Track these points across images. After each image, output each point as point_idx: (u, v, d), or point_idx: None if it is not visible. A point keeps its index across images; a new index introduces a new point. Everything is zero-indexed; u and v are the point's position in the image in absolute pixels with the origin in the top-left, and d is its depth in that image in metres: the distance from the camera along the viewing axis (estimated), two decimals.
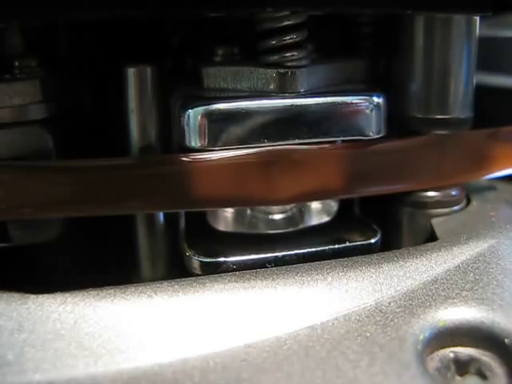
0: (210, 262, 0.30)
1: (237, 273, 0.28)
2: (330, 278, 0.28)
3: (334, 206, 0.34)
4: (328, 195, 0.32)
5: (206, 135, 0.28)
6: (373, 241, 0.32)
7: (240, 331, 0.26)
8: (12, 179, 0.29)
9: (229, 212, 0.33)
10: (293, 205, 0.33)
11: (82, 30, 0.38)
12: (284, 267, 0.29)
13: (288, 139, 0.29)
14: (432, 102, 0.33)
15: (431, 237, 0.33)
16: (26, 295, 0.27)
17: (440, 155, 0.33)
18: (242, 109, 0.28)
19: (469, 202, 0.36)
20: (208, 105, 0.28)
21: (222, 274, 0.28)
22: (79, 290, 0.28)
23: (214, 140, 0.29)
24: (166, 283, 0.28)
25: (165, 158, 0.31)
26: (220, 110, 0.28)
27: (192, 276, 0.30)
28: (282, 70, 0.29)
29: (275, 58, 0.29)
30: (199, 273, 0.30)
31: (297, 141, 0.29)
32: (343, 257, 0.30)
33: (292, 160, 0.30)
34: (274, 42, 0.29)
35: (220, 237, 0.33)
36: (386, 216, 0.36)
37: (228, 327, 0.26)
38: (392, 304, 0.28)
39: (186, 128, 0.29)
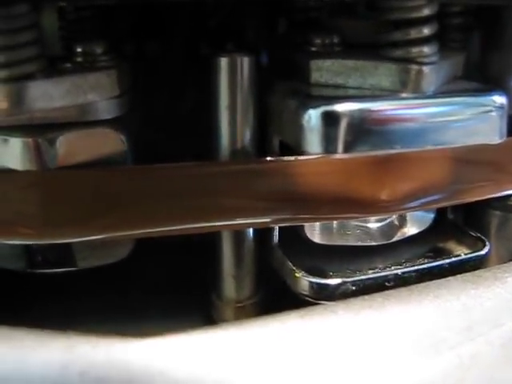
0: (326, 284, 0.26)
1: (366, 297, 0.25)
2: (463, 298, 0.26)
3: (431, 213, 0.31)
4: (436, 202, 0.29)
5: (331, 138, 0.25)
6: (484, 252, 0.29)
7: (387, 361, 0.23)
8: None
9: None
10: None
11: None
12: (412, 288, 0.26)
13: (417, 144, 0.26)
14: None
15: None
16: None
17: None
18: (374, 110, 0.25)
19: None
20: (332, 104, 0.25)
21: (352, 300, 0.25)
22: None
23: (338, 144, 0.25)
24: (294, 314, 0.24)
25: (267, 161, 0.26)
26: (349, 110, 0.24)
27: (296, 298, 0.27)
28: (415, 67, 0.25)
29: (402, 52, 0.26)
30: (309, 295, 0.27)
31: (427, 147, 0.26)
32: (457, 270, 0.28)
33: (402, 164, 0.27)
34: (405, 35, 0.25)
35: (318, 251, 0.29)
36: (469, 220, 0.33)
37: (374, 358, 0.23)
38: None
39: (305, 130, 0.25)
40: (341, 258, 0.29)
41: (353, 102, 0.25)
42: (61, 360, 0.22)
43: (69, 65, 0.26)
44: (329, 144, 0.25)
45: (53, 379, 0.21)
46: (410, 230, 0.30)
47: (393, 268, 0.28)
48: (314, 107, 0.25)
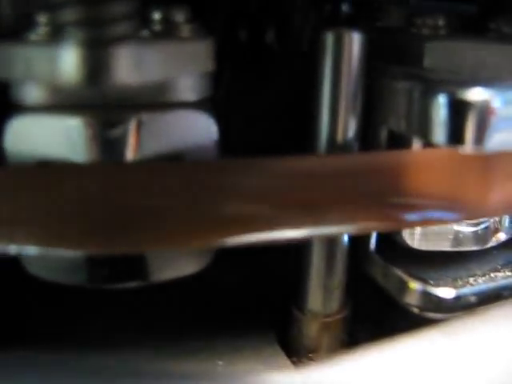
0: (447, 296, 0.23)
1: (495, 307, 0.22)
2: None
3: None
4: None
5: (459, 128, 0.21)
6: None
7: None
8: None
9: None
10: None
11: None
12: None
13: None
14: None
15: None
16: None
17: None
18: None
19: None
20: (464, 90, 0.21)
21: (482, 310, 0.22)
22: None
23: (467, 135, 0.22)
24: (435, 331, 0.21)
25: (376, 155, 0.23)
26: (482, 98, 0.21)
27: (400, 312, 0.24)
28: None
29: None
30: (419, 307, 0.23)
31: None
32: None
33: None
34: None
35: (409, 257, 0.26)
36: None
37: None
38: None
39: (431, 118, 0.22)
40: (434, 264, 0.26)
41: (485, 87, 0.21)
42: None
43: (147, 32, 0.21)
44: (456, 134, 0.22)
45: None
46: (504, 234, 0.28)
47: (505, 275, 0.25)
48: (442, 93, 0.21)
